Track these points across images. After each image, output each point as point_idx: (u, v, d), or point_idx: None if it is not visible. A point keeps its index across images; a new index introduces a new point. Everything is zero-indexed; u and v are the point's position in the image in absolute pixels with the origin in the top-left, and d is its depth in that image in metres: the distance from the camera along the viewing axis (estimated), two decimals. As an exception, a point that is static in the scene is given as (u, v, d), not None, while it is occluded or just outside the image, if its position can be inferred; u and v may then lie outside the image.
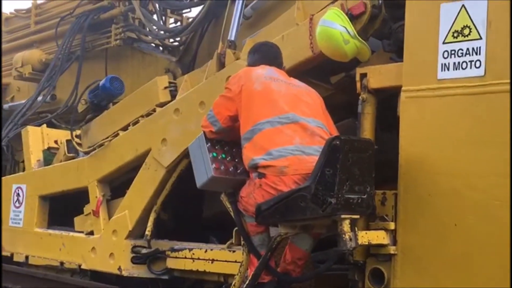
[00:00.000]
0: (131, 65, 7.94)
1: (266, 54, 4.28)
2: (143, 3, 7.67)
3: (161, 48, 8.21)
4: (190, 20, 7.78)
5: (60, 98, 8.51)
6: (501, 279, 3.33)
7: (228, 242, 4.96)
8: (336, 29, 3.96)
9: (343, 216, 3.55)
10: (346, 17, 4.01)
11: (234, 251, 4.82)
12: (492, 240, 3.39)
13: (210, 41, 7.18)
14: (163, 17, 8.45)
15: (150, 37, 8.14)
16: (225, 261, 4.87)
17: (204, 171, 4.11)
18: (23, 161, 8.62)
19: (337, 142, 3.50)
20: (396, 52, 4.19)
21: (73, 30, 8.07)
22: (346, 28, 3.96)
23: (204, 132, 4.22)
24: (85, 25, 7.97)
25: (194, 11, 11.00)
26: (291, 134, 3.82)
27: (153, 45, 8.25)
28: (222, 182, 4.16)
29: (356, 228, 3.63)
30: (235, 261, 4.75)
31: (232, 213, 4.23)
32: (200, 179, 4.15)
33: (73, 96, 7.81)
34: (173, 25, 8.56)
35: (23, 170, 8.13)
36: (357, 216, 3.67)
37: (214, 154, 4.14)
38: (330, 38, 3.99)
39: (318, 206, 3.49)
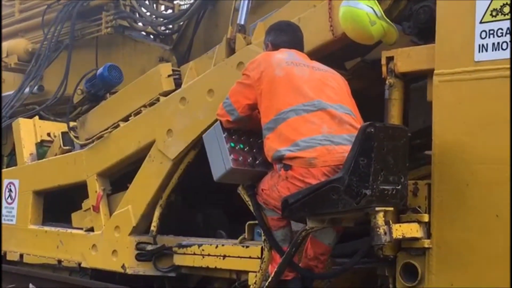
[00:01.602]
0: (122, 53, 7.69)
1: (285, 35, 4.03)
2: (134, -13, 7.42)
3: (152, 37, 7.98)
4: (186, 6, 7.55)
5: (48, 90, 8.26)
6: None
7: (241, 237, 4.72)
8: (362, 9, 3.72)
9: (377, 208, 3.34)
10: (374, -3, 3.77)
11: (247, 247, 4.57)
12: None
13: (206, 28, 6.96)
14: (154, 5, 8.22)
15: (142, 25, 7.90)
16: (238, 257, 4.60)
17: (222, 162, 3.86)
18: (8, 155, 8.38)
19: (372, 130, 3.26)
20: (416, 34, 3.97)
21: (61, 18, 7.82)
22: (372, 8, 3.73)
23: (220, 121, 3.95)
24: (74, 13, 7.70)
25: None
26: (318, 122, 3.57)
27: (143, 33, 8.02)
28: (241, 174, 3.92)
29: (390, 221, 3.41)
30: (249, 257, 4.52)
31: (251, 207, 3.98)
32: (218, 171, 3.90)
33: (63, 87, 7.59)
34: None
35: (7, 164, 7.90)
36: (391, 209, 3.45)
37: (232, 145, 3.89)
38: (355, 19, 3.75)
39: (351, 198, 3.26)
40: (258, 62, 3.82)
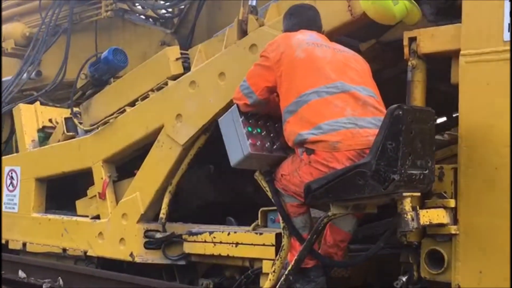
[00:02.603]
0: (123, 37, 7.54)
1: (305, 17, 3.90)
2: (134, -31, 7.27)
3: (151, 20, 7.82)
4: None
5: (46, 75, 8.09)
6: None
7: (254, 224, 4.60)
8: None
9: (405, 194, 3.23)
10: (396, -26, 3.64)
11: (261, 234, 4.45)
12: None
13: (209, 11, 6.83)
14: (155, -13, 8.05)
15: (143, 8, 7.75)
16: (251, 244, 4.48)
17: (239, 147, 3.73)
18: (4, 142, 8.25)
19: (400, 112, 3.13)
20: (435, 14, 3.85)
21: (59, 1, 7.64)
22: (395, -13, 3.59)
23: (237, 105, 3.82)
24: (72, -4, 7.54)
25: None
26: (341, 105, 3.45)
27: (143, 17, 7.87)
28: (259, 159, 3.79)
29: (417, 207, 3.30)
30: (263, 244, 4.39)
31: (269, 193, 3.86)
32: (235, 156, 3.77)
33: (62, 72, 7.43)
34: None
35: (3, 151, 7.74)
36: (418, 194, 3.34)
37: (249, 129, 3.76)
38: None
39: (379, 183, 3.15)
40: (278, 43, 3.69)
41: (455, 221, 3.43)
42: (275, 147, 3.80)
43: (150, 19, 7.78)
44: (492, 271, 3.29)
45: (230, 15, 6.14)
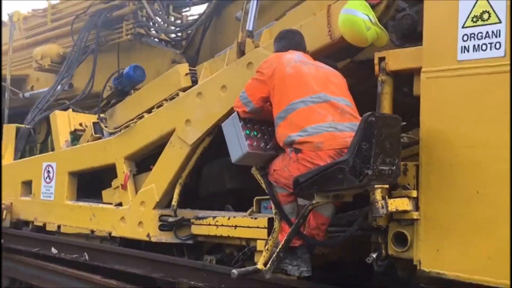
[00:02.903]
0: (140, 57, 7.48)
1: (292, 40, 3.85)
2: (150, 2, 7.23)
3: (163, 43, 7.77)
4: (196, 16, 7.35)
5: (76, 87, 8.06)
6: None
7: (249, 210, 4.56)
8: (359, 17, 3.54)
9: (376, 186, 3.18)
10: (368, 6, 3.59)
11: (256, 218, 4.40)
12: (513, 206, 3.03)
13: (212, 35, 6.79)
14: (166, 16, 8.00)
15: (157, 32, 7.72)
16: (247, 227, 4.43)
17: (239, 147, 3.68)
18: (41, 143, 8.19)
19: (373, 119, 3.09)
20: (400, 39, 3.81)
21: (88, 26, 7.66)
22: (368, 16, 3.55)
23: (237, 112, 3.77)
24: (99, 22, 7.51)
25: (192, 10, 10.62)
26: (323, 112, 3.41)
27: (156, 40, 7.83)
28: (255, 157, 3.74)
29: (386, 197, 3.25)
30: (257, 227, 4.36)
31: (263, 185, 3.81)
32: (235, 154, 3.72)
33: (90, 85, 7.40)
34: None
35: (40, 150, 7.77)
36: (387, 186, 3.29)
37: (248, 132, 3.71)
38: (353, 24, 3.58)
39: (355, 177, 3.10)
40: (271, 61, 3.65)
41: (416, 208, 3.37)
42: (268, 147, 3.75)
43: (163, 42, 7.75)
44: (447, 249, 3.23)
45: (229, 39, 6.14)
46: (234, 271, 3.68)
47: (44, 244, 6.21)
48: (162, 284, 5.02)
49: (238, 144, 3.68)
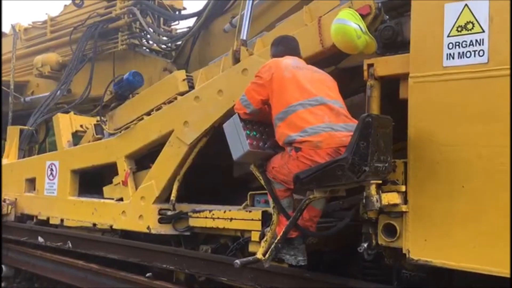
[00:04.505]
0: (133, 65, 7.22)
1: (289, 45, 3.66)
2: (143, 14, 6.99)
3: (154, 53, 7.53)
4: (183, 30, 7.14)
5: (74, 92, 7.77)
6: (504, 233, 2.85)
7: (244, 204, 4.36)
8: (351, 26, 3.37)
9: (372, 181, 3.02)
10: (359, 16, 3.43)
11: (250, 211, 4.21)
12: (497, 200, 2.89)
13: (200, 45, 6.58)
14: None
15: (150, 43, 7.48)
16: (242, 219, 4.25)
17: (240, 146, 3.47)
18: (41, 142, 7.90)
19: (370, 119, 2.92)
20: (381, 48, 3.66)
21: (86, 37, 7.41)
22: (359, 25, 3.38)
23: (238, 113, 3.56)
24: (96, 33, 7.23)
25: (180, 24, 10.33)
26: (321, 114, 3.22)
27: (148, 50, 7.60)
28: (254, 155, 3.54)
29: (380, 191, 3.09)
30: (251, 219, 4.17)
31: (261, 181, 3.61)
32: (236, 153, 3.51)
33: (88, 91, 7.12)
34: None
35: (38, 150, 7.50)
36: (381, 181, 3.13)
37: (248, 132, 3.50)
38: (345, 33, 3.40)
39: (353, 174, 2.93)
40: (269, 66, 3.44)
41: (405, 202, 3.22)
42: (266, 146, 3.55)
43: (154, 52, 7.52)
44: (433, 238, 3.09)
45: (217, 49, 5.96)
46: (237, 261, 3.46)
47: (31, 234, 6.07)
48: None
49: (239, 143, 3.47)
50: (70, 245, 5.51)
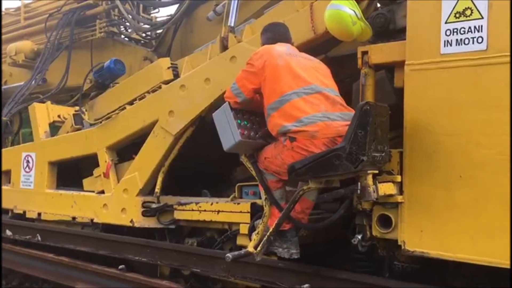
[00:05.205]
0: (112, 54, 6.90)
1: (276, 32, 3.55)
2: (123, 2, 6.76)
3: (133, 42, 7.31)
4: (164, 18, 6.94)
5: (49, 82, 7.45)
6: (503, 222, 2.82)
7: (232, 196, 4.25)
8: (346, 12, 3.27)
9: (369, 171, 2.95)
10: (354, 1, 3.34)
11: (238, 203, 4.10)
12: (495, 190, 2.85)
13: (182, 33, 6.39)
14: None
15: (127, 30, 7.25)
16: (230, 211, 4.13)
17: (231, 136, 3.36)
18: (15, 134, 7.63)
19: (368, 108, 2.85)
20: (373, 36, 3.58)
21: (62, 24, 7.07)
22: (354, 11, 3.29)
23: (228, 102, 3.44)
24: (73, 20, 6.96)
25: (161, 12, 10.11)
26: (316, 102, 3.12)
27: (126, 39, 7.37)
28: (246, 146, 3.43)
29: (377, 182, 3.03)
30: (240, 212, 4.06)
31: (253, 172, 3.51)
32: (227, 143, 3.40)
33: (64, 80, 6.87)
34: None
35: (12, 142, 7.23)
36: (377, 171, 3.06)
37: (239, 121, 3.39)
38: (340, 19, 3.30)
39: (351, 163, 2.85)
40: (261, 53, 3.33)
41: (400, 192, 3.17)
42: (257, 136, 3.45)
43: (133, 41, 7.30)
44: (430, 229, 3.05)
45: (199, 38, 5.78)
46: (229, 254, 3.37)
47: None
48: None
49: (230, 133, 3.36)
50: (39, 238, 5.39)
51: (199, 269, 4.19)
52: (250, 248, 3.43)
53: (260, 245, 3.41)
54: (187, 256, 4.27)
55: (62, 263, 5.07)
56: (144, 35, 7.06)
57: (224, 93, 3.60)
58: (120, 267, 4.63)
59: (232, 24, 4.27)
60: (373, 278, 3.41)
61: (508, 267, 2.76)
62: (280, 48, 3.34)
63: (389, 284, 3.29)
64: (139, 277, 4.44)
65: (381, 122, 2.96)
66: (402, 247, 3.15)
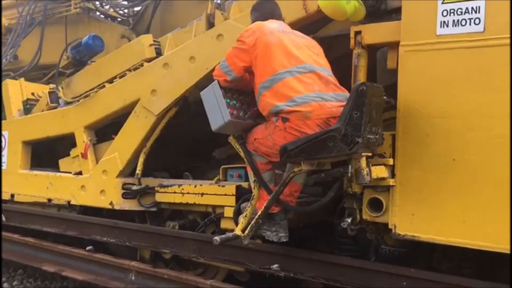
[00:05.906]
0: (88, 31, 6.68)
1: (264, 9, 3.44)
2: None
3: (109, 19, 7.08)
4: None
5: (21, 59, 7.17)
6: (496, 206, 2.80)
7: (216, 178, 4.16)
8: None
9: (363, 153, 2.89)
10: (348, -22, 3.24)
11: (223, 186, 4.01)
12: (490, 173, 2.83)
13: (162, 11, 6.21)
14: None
15: (106, 7, 7.00)
16: (215, 194, 4.04)
17: (220, 116, 3.25)
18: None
19: (364, 88, 2.78)
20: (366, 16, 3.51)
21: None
22: (348, -11, 3.20)
23: (218, 81, 3.32)
24: (46, -6, 6.68)
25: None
26: (310, 82, 3.03)
27: (102, 16, 7.12)
28: (234, 126, 3.33)
29: (370, 164, 2.97)
30: (225, 194, 3.98)
31: (241, 154, 3.42)
32: (216, 123, 3.29)
33: (38, 57, 6.60)
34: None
35: None
36: (370, 154, 3.01)
37: (228, 101, 3.28)
38: None
39: (346, 145, 2.79)
40: (253, 30, 3.21)
41: (392, 175, 3.13)
42: (246, 116, 3.35)
43: (109, 18, 7.06)
44: (421, 213, 3.02)
45: (180, 17, 5.63)
46: (217, 238, 3.28)
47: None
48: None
49: (219, 113, 3.25)
50: (4, 218, 5.28)
51: (168, 250, 4.18)
52: (238, 231, 3.36)
53: (248, 228, 3.34)
54: (157, 237, 4.24)
55: (28, 244, 4.96)
56: (121, 12, 6.85)
57: (210, 72, 3.48)
58: (88, 248, 4.57)
59: (219, 1, 4.13)
60: (345, 259, 3.38)
61: (501, 251, 2.75)
62: (272, 25, 3.24)
63: (353, 263, 3.30)
64: (104, 257, 4.37)
65: (376, 103, 2.90)
66: (393, 231, 3.12)
